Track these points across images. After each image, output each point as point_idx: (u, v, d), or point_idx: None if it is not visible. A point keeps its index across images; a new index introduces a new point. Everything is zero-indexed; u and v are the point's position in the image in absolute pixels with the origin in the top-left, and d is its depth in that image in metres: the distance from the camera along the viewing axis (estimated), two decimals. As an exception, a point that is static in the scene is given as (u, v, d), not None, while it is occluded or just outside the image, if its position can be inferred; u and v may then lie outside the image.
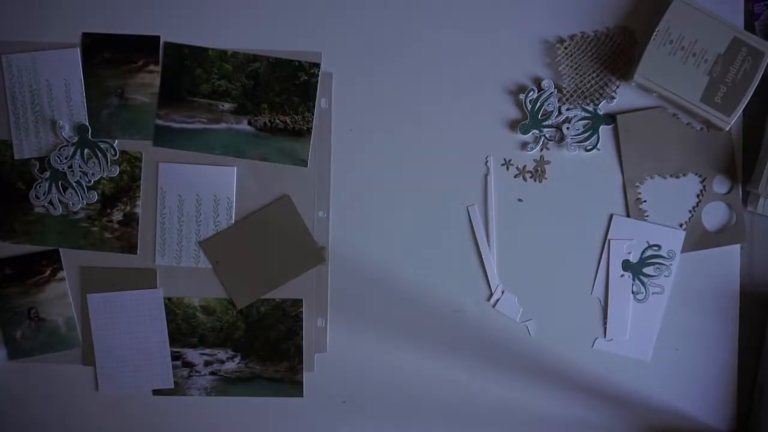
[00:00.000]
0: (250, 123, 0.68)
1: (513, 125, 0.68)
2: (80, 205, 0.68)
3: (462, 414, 0.69)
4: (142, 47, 0.68)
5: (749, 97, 0.64)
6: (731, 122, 0.64)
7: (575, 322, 0.69)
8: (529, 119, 0.67)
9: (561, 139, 0.68)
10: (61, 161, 0.68)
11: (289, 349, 0.69)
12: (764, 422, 0.66)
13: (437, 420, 0.69)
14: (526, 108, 0.67)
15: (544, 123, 0.68)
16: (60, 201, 0.68)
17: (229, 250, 0.68)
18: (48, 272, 0.68)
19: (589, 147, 0.68)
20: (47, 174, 0.68)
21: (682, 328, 0.69)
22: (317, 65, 0.68)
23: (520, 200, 0.68)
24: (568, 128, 0.67)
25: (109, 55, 0.68)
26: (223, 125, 0.68)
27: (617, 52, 0.67)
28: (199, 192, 0.68)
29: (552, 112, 0.67)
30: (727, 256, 0.68)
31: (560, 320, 0.69)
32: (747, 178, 0.68)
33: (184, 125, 0.68)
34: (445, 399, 0.69)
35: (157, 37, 0.68)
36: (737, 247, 0.68)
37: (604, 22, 0.68)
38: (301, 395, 0.69)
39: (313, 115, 0.68)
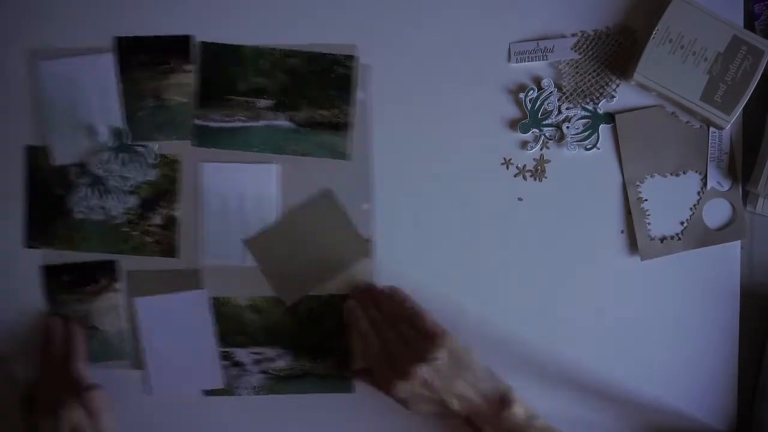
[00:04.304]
0: (289, 119, 0.68)
1: (513, 124, 0.68)
2: (120, 210, 0.68)
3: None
4: (176, 48, 0.67)
5: (749, 95, 0.63)
6: (731, 121, 0.64)
7: (575, 322, 0.68)
8: (528, 118, 0.67)
9: (561, 138, 0.67)
10: (99, 166, 0.67)
11: (338, 344, 0.68)
12: (766, 423, 0.65)
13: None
14: (526, 107, 0.67)
15: (544, 122, 0.67)
16: (100, 206, 0.68)
17: (274, 248, 0.68)
18: (104, 282, 0.68)
19: (589, 146, 0.67)
20: (86, 179, 0.67)
21: (682, 328, 0.68)
22: (352, 57, 0.67)
23: (520, 200, 0.68)
24: (567, 127, 0.67)
25: (143, 58, 0.67)
26: (261, 122, 0.67)
27: (617, 51, 0.67)
28: (242, 190, 0.68)
29: (552, 111, 0.67)
30: (727, 255, 0.67)
31: (560, 320, 0.68)
32: (747, 177, 0.67)
33: (222, 124, 0.68)
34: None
35: (191, 37, 0.67)
36: (737, 247, 0.67)
37: (604, 21, 0.67)
38: (352, 391, 0.69)
39: (351, 107, 0.67)
